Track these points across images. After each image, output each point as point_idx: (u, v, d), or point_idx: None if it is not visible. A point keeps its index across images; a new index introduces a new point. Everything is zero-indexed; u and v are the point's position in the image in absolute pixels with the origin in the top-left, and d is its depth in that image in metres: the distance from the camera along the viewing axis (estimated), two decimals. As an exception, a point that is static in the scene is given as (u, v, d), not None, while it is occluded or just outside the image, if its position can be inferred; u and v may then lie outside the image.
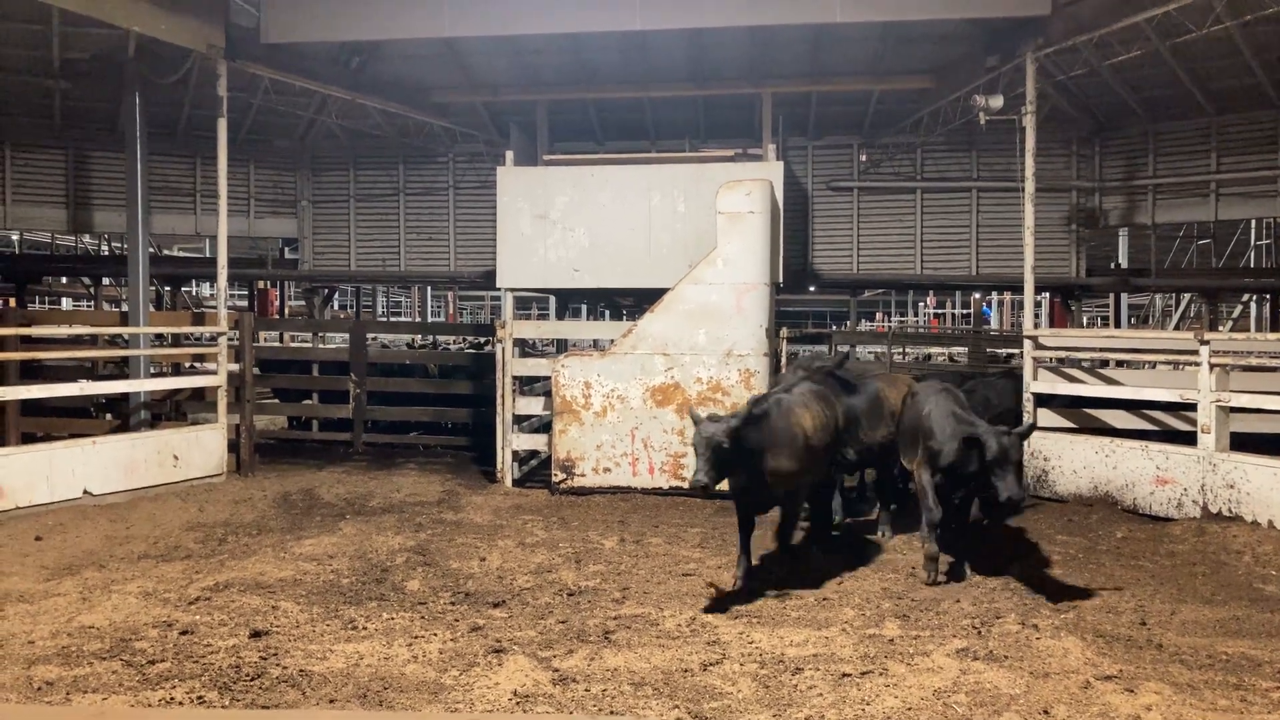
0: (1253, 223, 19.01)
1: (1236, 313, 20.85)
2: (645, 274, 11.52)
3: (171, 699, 4.89)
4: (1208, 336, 9.04)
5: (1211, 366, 8.83)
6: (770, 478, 6.76)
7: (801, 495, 7.42)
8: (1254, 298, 19.71)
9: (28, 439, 11.56)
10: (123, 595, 6.62)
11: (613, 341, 10.92)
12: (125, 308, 13.38)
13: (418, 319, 29.50)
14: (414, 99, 15.68)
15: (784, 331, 11.25)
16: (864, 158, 16.76)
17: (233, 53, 11.75)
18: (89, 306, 23.27)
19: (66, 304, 27.10)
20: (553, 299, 18.15)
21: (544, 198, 11.77)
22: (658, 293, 10.91)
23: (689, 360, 10.46)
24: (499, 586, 6.99)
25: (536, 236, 11.75)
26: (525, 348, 13.33)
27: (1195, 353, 9.05)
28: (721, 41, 14.28)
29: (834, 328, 30.30)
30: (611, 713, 4.77)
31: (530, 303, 29.74)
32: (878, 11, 11.68)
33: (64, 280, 24.96)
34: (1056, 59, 12.71)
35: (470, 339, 20.10)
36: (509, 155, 12.70)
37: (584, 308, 23.15)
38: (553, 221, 11.80)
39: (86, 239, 22.17)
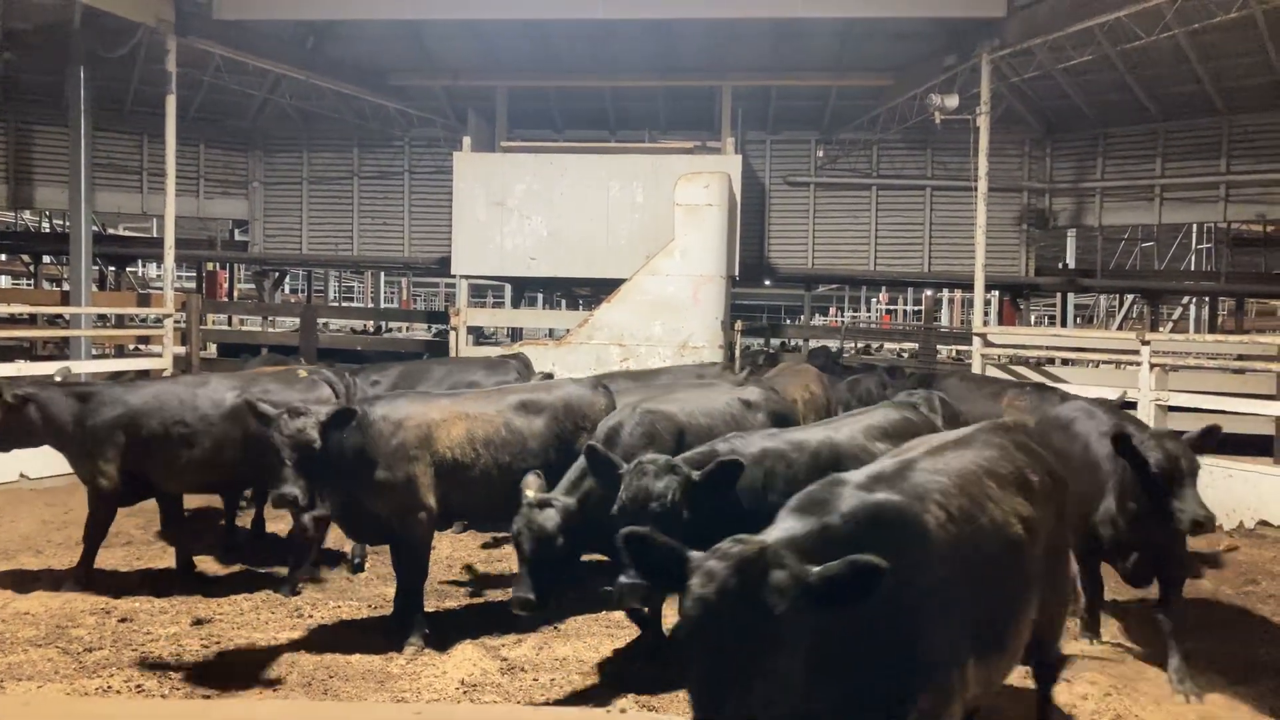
0: (1194, 227, 19.48)
1: (1177, 314, 21.40)
2: (602, 264, 11.51)
3: (109, 687, 4.78)
4: (1149, 337, 9.31)
5: (1152, 366, 9.08)
6: None
7: None
8: (1193, 300, 20.24)
9: (-38, 420, 11.20)
10: (60, 581, 6.45)
11: (568, 331, 10.90)
12: (67, 287, 13.03)
13: (370, 305, 29.12)
14: (371, 81, 15.45)
15: (738, 324, 11.33)
16: (821, 153, 16.90)
17: (183, 28, 11.49)
18: (29, 285, 22.60)
19: (5, 282, 26.26)
20: (508, 287, 18.08)
21: (501, 185, 11.69)
22: (615, 283, 10.91)
23: (644, 351, 10.47)
24: (449, 575, 6.94)
25: (493, 224, 11.67)
26: (480, 336, 13.25)
27: (1137, 352, 9.30)
28: (684, 33, 14.29)
29: (788, 321, 30.58)
30: (560, 702, 4.76)
31: (485, 290, 29.53)
32: (839, 7, 11.79)
33: (2, 257, 24.22)
34: (1012, 61, 12.92)
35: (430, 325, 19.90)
36: (467, 141, 12.58)
37: (540, 297, 23.04)
38: (510, 209, 11.73)
39: (27, 215, 21.50)
